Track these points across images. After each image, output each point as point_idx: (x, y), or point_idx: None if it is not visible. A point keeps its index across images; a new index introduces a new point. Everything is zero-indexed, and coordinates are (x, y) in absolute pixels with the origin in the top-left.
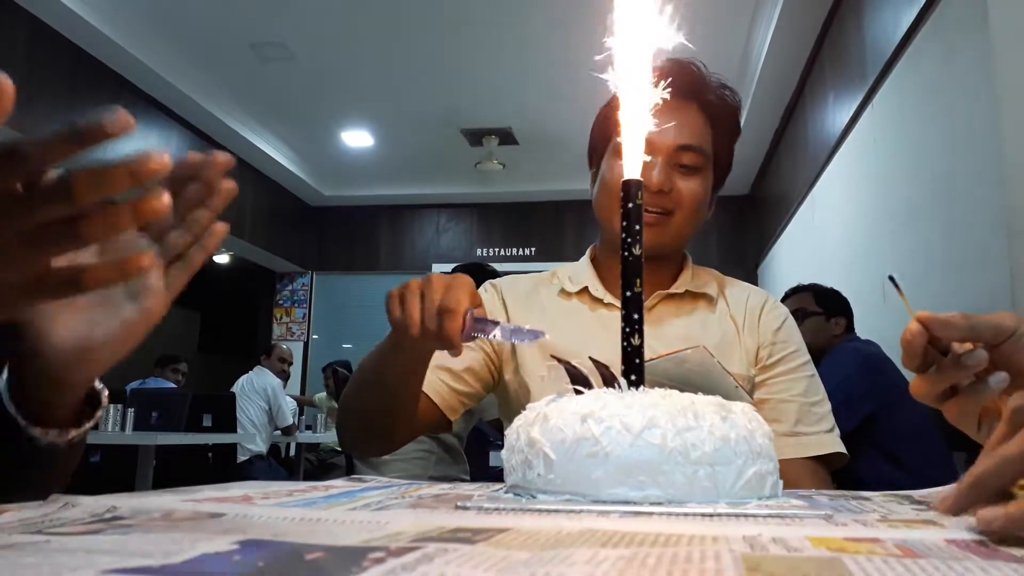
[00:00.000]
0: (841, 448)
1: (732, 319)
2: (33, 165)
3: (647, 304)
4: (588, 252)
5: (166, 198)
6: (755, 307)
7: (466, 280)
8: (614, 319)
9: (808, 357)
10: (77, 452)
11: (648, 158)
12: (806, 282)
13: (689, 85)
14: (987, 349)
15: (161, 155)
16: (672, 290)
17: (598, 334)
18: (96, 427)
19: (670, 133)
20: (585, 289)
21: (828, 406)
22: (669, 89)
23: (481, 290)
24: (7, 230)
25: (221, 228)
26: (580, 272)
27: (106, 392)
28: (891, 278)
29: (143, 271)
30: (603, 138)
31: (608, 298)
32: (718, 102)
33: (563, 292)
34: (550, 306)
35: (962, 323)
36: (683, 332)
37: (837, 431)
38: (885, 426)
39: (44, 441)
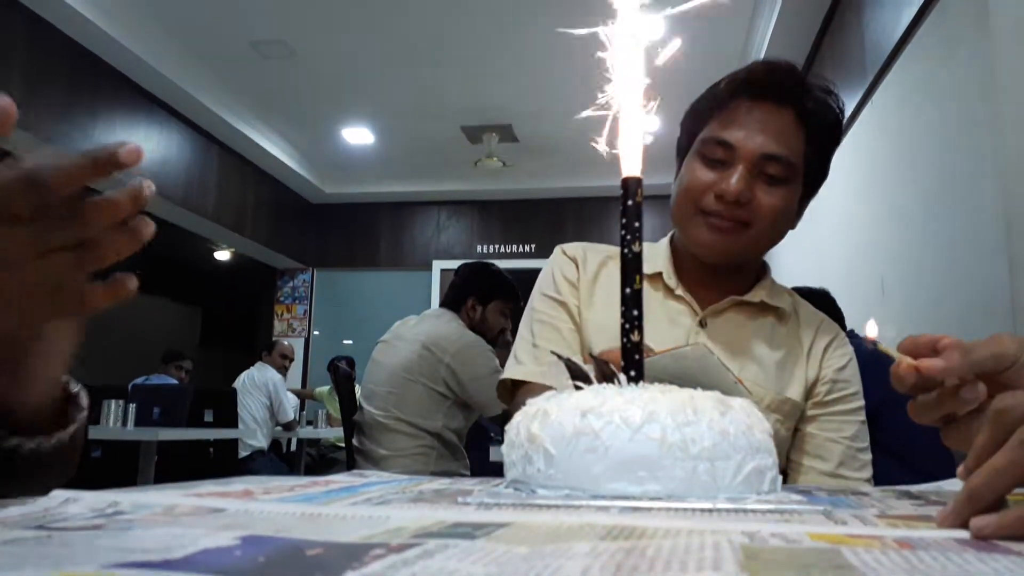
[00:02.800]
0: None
1: (799, 341)
2: (51, 191)
3: (717, 307)
4: (670, 235)
5: (152, 226)
6: (824, 339)
7: None
8: (681, 314)
9: (863, 402)
10: (71, 452)
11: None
12: (806, 277)
13: (785, 88)
14: (987, 377)
15: (149, 184)
16: (747, 298)
17: (660, 326)
18: (81, 428)
19: (756, 140)
20: (659, 274)
21: (870, 456)
22: (752, 92)
23: (560, 257)
24: (24, 251)
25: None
26: (658, 254)
27: (84, 393)
28: (874, 343)
29: (131, 295)
30: (690, 133)
31: (679, 290)
32: (816, 108)
33: None
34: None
35: (962, 364)
36: (747, 342)
37: (873, 483)
38: (887, 423)
39: (26, 448)
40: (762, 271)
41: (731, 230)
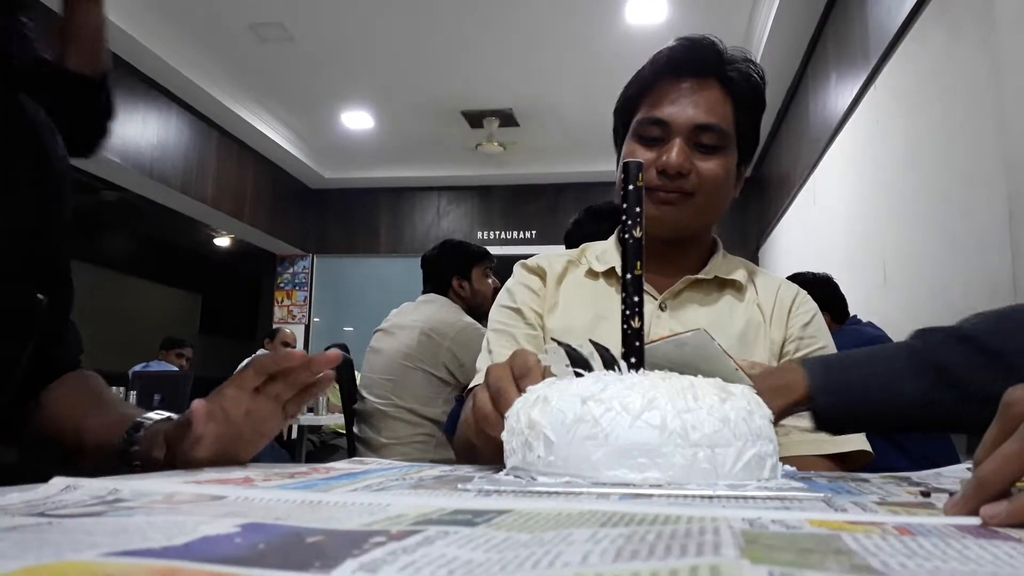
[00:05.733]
0: (866, 447)
1: (759, 308)
2: (287, 372)
3: (674, 288)
4: (616, 232)
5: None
6: (785, 299)
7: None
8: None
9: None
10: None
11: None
12: (808, 264)
13: (706, 62)
14: None
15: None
16: (700, 275)
17: (619, 316)
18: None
19: (688, 112)
20: (612, 269)
21: None
22: (685, 68)
23: (520, 271)
24: (270, 407)
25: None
26: (608, 251)
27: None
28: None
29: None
30: (624, 121)
31: None
32: (739, 77)
33: (590, 272)
34: (576, 287)
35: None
36: (708, 318)
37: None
38: None
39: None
40: (713, 247)
41: (676, 201)
